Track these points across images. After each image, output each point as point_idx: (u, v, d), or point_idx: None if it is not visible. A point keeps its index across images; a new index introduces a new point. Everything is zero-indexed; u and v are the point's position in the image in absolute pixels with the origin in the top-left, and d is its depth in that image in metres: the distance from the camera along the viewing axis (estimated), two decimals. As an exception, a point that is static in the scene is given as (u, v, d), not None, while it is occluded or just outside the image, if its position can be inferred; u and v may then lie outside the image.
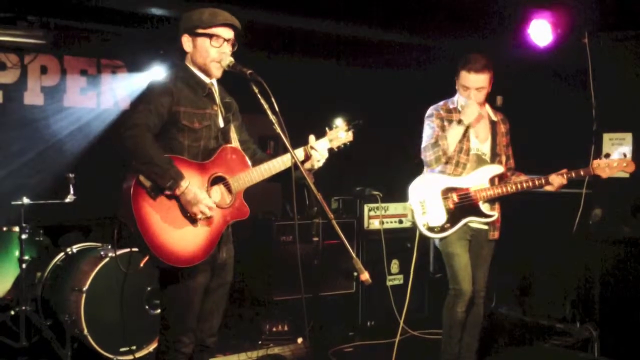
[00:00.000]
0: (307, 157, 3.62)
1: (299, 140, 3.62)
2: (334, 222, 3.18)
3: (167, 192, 3.24)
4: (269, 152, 6.60)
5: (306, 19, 5.64)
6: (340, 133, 3.74)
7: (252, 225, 6.00)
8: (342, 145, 3.77)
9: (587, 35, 5.42)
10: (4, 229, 5.45)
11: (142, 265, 3.29)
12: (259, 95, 3.29)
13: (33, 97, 6.43)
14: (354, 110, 6.12)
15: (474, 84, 4.61)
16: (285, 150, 3.43)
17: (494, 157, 4.69)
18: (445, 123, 4.67)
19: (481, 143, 4.69)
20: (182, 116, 3.38)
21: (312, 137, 3.66)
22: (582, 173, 4.47)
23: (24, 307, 5.17)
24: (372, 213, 6.28)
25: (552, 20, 5.39)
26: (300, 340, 5.75)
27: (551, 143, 5.71)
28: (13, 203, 5.24)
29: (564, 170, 4.46)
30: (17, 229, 5.35)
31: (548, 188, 4.52)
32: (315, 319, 5.68)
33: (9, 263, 5.48)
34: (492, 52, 6.00)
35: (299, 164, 3.37)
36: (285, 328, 5.85)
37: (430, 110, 4.76)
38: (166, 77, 3.52)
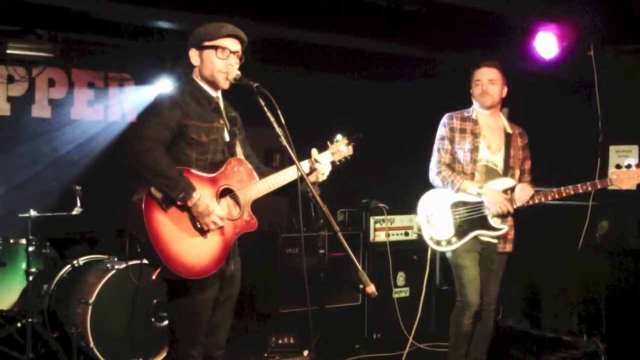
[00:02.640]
0: (312, 170, 3.64)
1: (303, 153, 3.63)
2: (339, 234, 3.18)
3: (179, 203, 3.25)
4: (274, 165, 6.63)
5: (310, 32, 5.66)
6: (341, 147, 3.79)
7: (258, 237, 6.00)
8: (343, 159, 3.82)
9: (593, 47, 5.43)
10: (11, 241, 5.46)
11: (154, 277, 3.29)
12: (265, 108, 3.30)
13: (41, 109, 6.47)
14: (359, 122, 6.14)
15: (485, 75, 4.63)
16: (291, 163, 3.44)
17: (507, 170, 4.65)
18: (456, 134, 4.66)
19: (493, 154, 4.66)
20: (190, 129, 3.39)
21: (314, 151, 3.68)
22: (598, 186, 4.42)
23: (30, 319, 5.17)
24: (378, 225, 6.27)
25: (557, 32, 5.40)
26: (306, 353, 5.73)
27: (557, 155, 5.71)
28: (20, 215, 5.26)
29: (579, 185, 4.41)
30: (24, 241, 5.37)
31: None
32: (321, 331, 5.66)
33: (15, 275, 5.49)
34: (498, 64, 6.03)
35: (305, 177, 3.37)
36: (292, 340, 5.83)
37: (444, 119, 4.75)
38: (174, 90, 3.53)
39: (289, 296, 5.74)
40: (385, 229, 6.26)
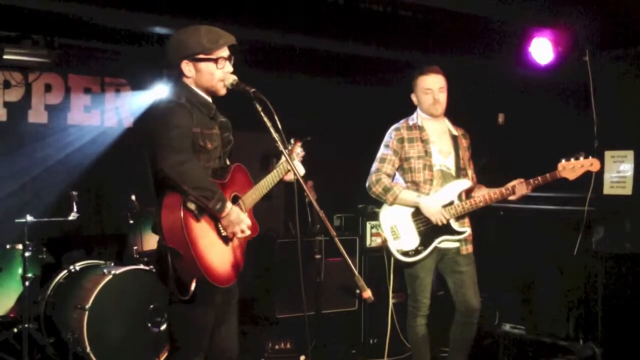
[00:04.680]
0: (286, 172, 3.72)
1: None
2: (336, 239, 3.18)
3: (213, 215, 3.28)
4: (271, 169, 6.62)
5: (307, 38, 5.68)
6: (298, 149, 3.91)
7: (255, 242, 5.99)
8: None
9: (588, 53, 5.44)
10: (8, 246, 5.46)
11: (192, 289, 3.28)
12: (262, 113, 3.30)
13: (37, 115, 6.47)
14: (356, 127, 6.16)
15: (435, 84, 4.58)
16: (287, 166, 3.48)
17: (459, 172, 4.63)
18: (406, 144, 4.63)
19: (444, 158, 4.65)
20: (199, 137, 3.37)
21: (296, 146, 3.87)
22: (548, 178, 4.44)
23: (26, 325, 5.15)
24: (374, 230, 6.27)
25: (553, 38, 5.41)
26: (302, 358, 5.73)
27: (553, 161, 5.71)
28: (17, 221, 5.25)
29: (528, 180, 4.45)
30: (20, 246, 5.35)
31: (511, 197, 4.51)
32: (318, 336, 5.65)
33: (12, 280, 5.49)
34: (494, 70, 6.05)
35: (301, 181, 3.36)
36: (288, 346, 5.83)
37: (391, 131, 4.72)
38: (180, 99, 3.41)
39: (286, 301, 5.73)
40: (381, 234, 6.25)
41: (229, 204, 3.29)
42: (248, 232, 3.38)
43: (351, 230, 6.33)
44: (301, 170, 3.79)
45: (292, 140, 3.87)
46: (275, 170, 3.65)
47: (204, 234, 3.28)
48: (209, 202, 3.22)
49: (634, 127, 5.36)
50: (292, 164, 3.32)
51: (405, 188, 4.61)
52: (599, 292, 5.47)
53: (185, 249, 3.19)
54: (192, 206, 3.23)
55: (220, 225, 3.35)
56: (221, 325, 3.56)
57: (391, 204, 4.64)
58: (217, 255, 3.33)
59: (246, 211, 3.52)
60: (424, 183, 4.58)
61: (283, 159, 3.69)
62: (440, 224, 4.49)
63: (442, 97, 4.61)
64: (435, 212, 4.49)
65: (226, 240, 3.39)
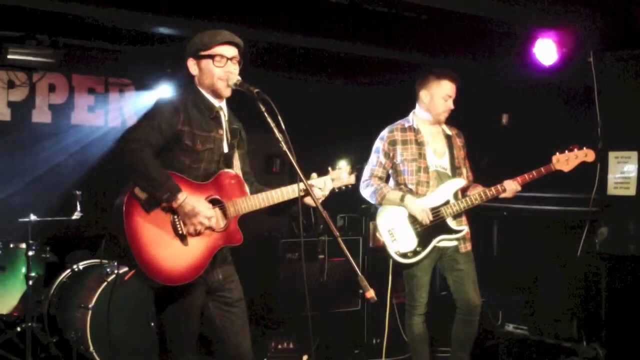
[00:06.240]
0: (306, 194, 3.51)
1: (303, 158, 3.61)
2: (339, 239, 3.18)
3: (164, 205, 3.21)
4: (274, 170, 6.62)
5: (311, 39, 5.68)
6: (343, 174, 3.75)
7: (258, 242, 6.01)
8: (344, 187, 3.77)
9: (592, 54, 5.44)
10: (11, 245, 5.48)
11: (126, 279, 3.27)
12: (265, 114, 3.30)
13: (41, 114, 6.49)
14: (359, 128, 6.16)
15: (454, 92, 4.65)
16: (291, 171, 3.43)
17: (454, 171, 4.67)
18: (398, 146, 4.65)
19: (439, 158, 4.68)
20: (185, 136, 3.37)
21: (314, 175, 3.65)
22: (543, 171, 4.51)
23: (30, 324, 5.17)
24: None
25: (557, 39, 5.41)
26: (305, 357, 5.73)
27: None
28: (20, 220, 5.27)
29: (523, 175, 4.51)
30: (24, 245, 5.38)
31: (504, 195, 4.56)
32: (321, 336, 5.66)
33: (15, 280, 5.50)
34: (498, 70, 6.05)
35: (305, 183, 3.35)
36: (291, 346, 5.83)
37: (384, 133, 4.73)
38: (175, 96, 3.54)
39: (289, 301, 5.74)
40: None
41: (181, 196, 3.19)
42: (207, 223, 3.27)
43: (354, 231, 6.33)
44: (325, 189, 3.63)
45: (341, 164, 3.76)
46: (283, 188, 3.52)
47: (150, 226, 3.22)
48: (156, 192, 3.18)
49: (638, 128, 5.35)
50: (297, 166, 3.30)
51: (393, 189, 4.64)
52: (603, 293, 5.46)
53: (122, 237, 3.16)
54: (141, 195, 3.21)
55: (178, 222, 3.27)
56: (226, 331, 3.54)
57: (379, 203, 4.68)
58: (166, 252, 3.24)
59: (231, 217, 3.45)
60: (419, 185, 4.61)
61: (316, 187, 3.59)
62: (424, 223, 4.52)
63: (452, 105, 4.66)
64: (419, 210, 4.52)
65: (183, 238, 3.29)
